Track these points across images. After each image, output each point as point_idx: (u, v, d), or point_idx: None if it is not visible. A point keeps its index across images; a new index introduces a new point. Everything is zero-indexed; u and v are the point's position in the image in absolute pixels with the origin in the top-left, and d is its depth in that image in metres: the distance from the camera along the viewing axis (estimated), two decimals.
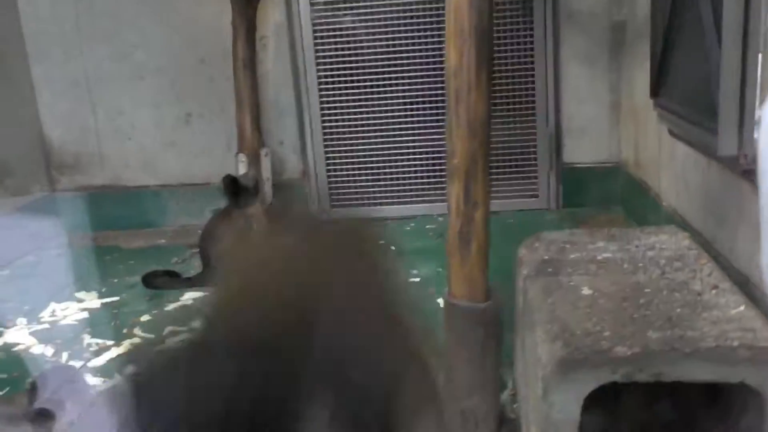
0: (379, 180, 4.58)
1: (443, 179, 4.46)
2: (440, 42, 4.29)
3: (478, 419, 2.17)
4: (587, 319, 1.78)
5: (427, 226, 4.33)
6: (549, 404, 1.67)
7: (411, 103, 4.45)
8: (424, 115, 4.45)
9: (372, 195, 4.60)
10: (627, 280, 2.00)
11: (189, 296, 3.50)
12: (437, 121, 4.42)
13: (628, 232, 2.36)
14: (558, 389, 1.65)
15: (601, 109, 4.39)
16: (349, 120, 4.52)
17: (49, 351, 3.03)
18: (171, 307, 3.40)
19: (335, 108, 4.50)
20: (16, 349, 3.10)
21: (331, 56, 4.44)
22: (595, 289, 1.94)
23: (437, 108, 4.41)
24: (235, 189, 3.63)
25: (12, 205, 4.29)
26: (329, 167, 4.58)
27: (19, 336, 3.20)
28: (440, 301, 3.23)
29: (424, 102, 4.43)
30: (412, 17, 4.35)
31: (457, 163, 2.05)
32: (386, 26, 4.39)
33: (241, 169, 4.12)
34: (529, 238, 2.42)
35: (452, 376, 2.20)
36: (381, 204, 4.59)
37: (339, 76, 4.46)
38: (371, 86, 4.45)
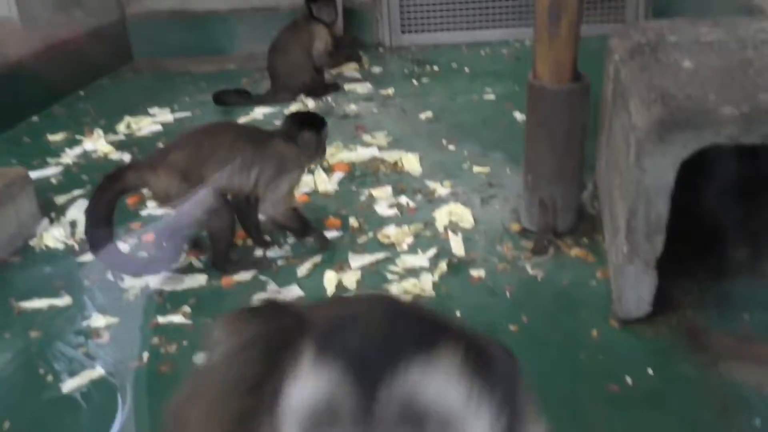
0: (453, 4, 4.33)
1: (519, 4, 4.21)
2: None
3: (557, 209, 2.10)
4: (689, 86, 1.63)
5: (503, 51, 4.13)
6: (642, 170, 1.57)
7: None
8: None
9: (445, 20, 4.37)
10: (734, 56, 1.82)
11: (259, 111, 3.47)
12: None
13: (735, 20, 2.14)
14: (653, 153, 1.54)
15: None
16: None
17: (126, 157, 3.07)
18: (242, 120, 3.38)
19: None
20: (95, 156, 3.15)
21: None
22: (698, 63, 1.78)
23: None
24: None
25: (85, 31, 4.26)
26: None
27: (97, 145, 3.24)
28: (517, 114, 3.14)
29: None
30: None
31: None
32: None
33: None
34: (622, 27, 2.23)
35: (533, 164, 2.11)
36: (454, 29, 4.38)
37: None
38: None
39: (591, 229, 2.19)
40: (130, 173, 2.10)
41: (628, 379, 1.60)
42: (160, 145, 3.13)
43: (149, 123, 3.46)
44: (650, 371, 1.62)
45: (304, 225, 2.20)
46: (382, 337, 0.51)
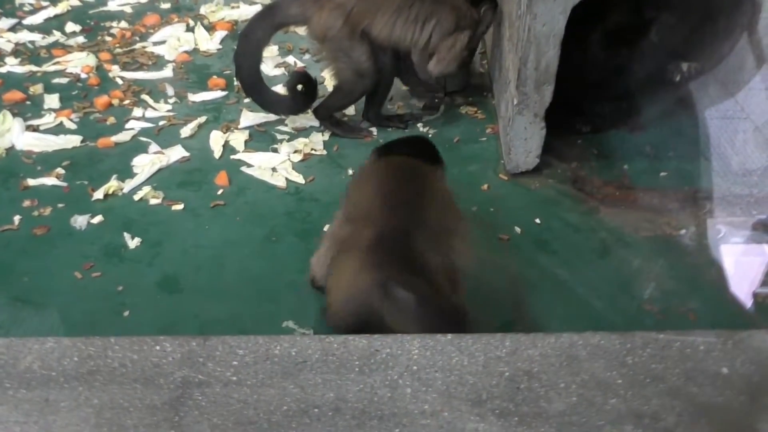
0: None
1: None
2: None
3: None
4: None
5: None
6: (533, 16, 1.55)
7: None
8: None
9: None
10: None
11: None
12: None
13: None
14: None
15: None
16: None
17: None
18: None
19: None
20: None
21: None
22: None
23: None
24: None
25: None
26: None
27: None
28: None
29: None
30: None
31: None
32: None
33: None
34: None
35: None
36: None
37: None
38: None
39: (480, 87, 2.18)
40: (294, 6, 1.89)
41: (517, 229, 1.64)
42: None
43: None
44: (537, 220, 1.67)
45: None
46: None
